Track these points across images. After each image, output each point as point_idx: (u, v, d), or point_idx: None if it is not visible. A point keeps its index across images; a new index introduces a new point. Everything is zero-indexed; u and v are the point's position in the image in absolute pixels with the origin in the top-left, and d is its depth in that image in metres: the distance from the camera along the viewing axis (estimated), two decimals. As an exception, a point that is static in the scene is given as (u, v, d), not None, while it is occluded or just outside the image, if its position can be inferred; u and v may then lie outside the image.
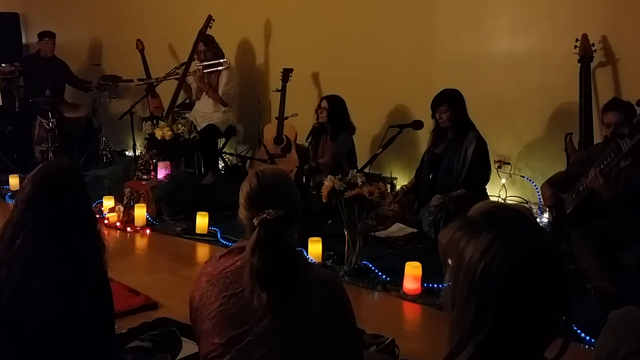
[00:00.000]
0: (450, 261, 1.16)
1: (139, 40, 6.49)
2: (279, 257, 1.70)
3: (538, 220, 4.38)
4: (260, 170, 1.86)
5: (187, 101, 6.35)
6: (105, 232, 4.38)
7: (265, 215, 1.72)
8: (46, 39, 6.74)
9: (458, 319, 1.12)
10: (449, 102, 4.30)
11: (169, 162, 4.87)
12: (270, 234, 1.71)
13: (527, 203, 4.83)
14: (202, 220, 4.37)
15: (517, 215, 1.15)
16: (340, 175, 3.55)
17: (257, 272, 1.68)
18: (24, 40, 7.75)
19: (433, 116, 4.39)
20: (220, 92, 5.84)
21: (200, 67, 5.81)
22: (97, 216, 4.37)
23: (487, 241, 1.09)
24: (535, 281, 1.07)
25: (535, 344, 1.11)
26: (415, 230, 4.24)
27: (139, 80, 6.48)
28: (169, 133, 4.86)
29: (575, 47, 4.43)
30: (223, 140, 6.12)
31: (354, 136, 5.10)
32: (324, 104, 5.06)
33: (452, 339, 1.13)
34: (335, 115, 5.01)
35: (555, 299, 1.10)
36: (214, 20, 5.69)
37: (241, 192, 1.83)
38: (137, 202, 4.66)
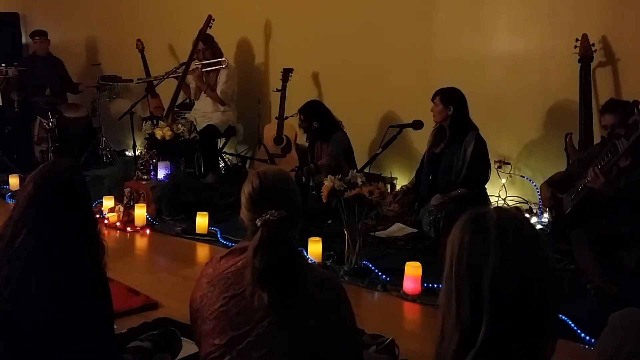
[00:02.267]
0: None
1: (138, 40, 6.49)
2: (281, 258, 1.69)
3: (537, 220, 4.39)
4: (262, 170, 1.85)
5: (187, 101, 6.35)
6: (105, 232, 4.39)
7: (268, 216, 1.71)
8: (37, 38, 6.74)
9: (442, 306, 1.23)
10: (442, 97, 4.30)
11: (169, 162, 4.86)
12: (273, 234, 1.70)
13: (527, 203, 4.84)
14: (202, 220, 4.37)
15: (500, 208, 1.27)
16: (340, 175, 3.55)
17: (260, 273, 1.67)
18: (23, 40, 7.74)
19: None
20: (218, 91, 5.84)
21: (199, 65, 5.81)
22: (97, 216, 4.39)
23: (461, 220, 1.23)
24: (483, 250, 1.16)
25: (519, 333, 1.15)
26: (415, 230, 4.24)
27: (138, 79, 6.48)
28: (169, 133, 4.85)
29: (575, 47, 4.43)
30: (223, 140, 6.12)
31: (352, 136, 5.09)
32: (302, 117, 5.07)
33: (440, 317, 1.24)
34: (317, 121, 4.91)
35: (522, 271, 1.16)
36: (214, 20, 5.69)
37: (243, 192, 1.83)
38: (137, 202, 4.66)
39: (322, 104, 5.16)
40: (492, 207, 1.28)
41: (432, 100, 4.35)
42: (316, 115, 4.97)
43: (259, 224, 1.72)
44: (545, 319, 1.14)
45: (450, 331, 1.17)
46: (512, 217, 1.22)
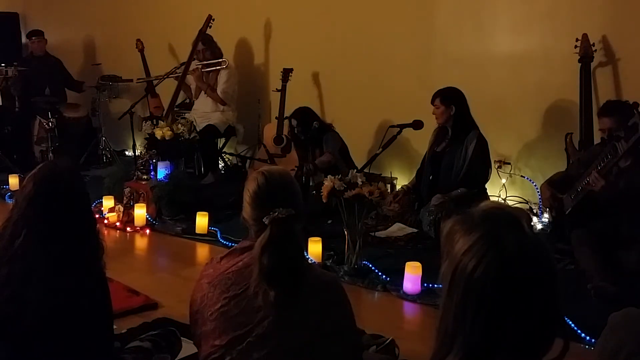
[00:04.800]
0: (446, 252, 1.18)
1: (138, 40, 6.49)
2: (289, 256, 1.69)
3: (538, 220, 4.39)
4: (266, 169, 1.85)
5: (187, 101, 6.35)
6: (105, 232, 4.40)
7: (277, 214, 1.71)
8: (34, 38, 6.74)
9: (442, 313, 1.14)
10: (442, 98, 4.31)
11: (168, 162, 4.86)
12: (282, 232, 1.70)
13: (527, 203, 4.84)
14: (202, 220, 4.37)
15: (509, 218, 1.14)
16: (340, 175, 3.55)
17: (268, 271, 1.67)
18: (23, 40, 7.74)
19: None
20: (218, 91, 5.84)
21: (200, 66, 5.81)
22: (97, 216, 4.39)
23: (473, 240, 1.11)
24: (508, 287, 1.08)
25: (524, 348, 1.10)
26: (416, 230, 4.23)
27: (138, 79, 6.48)
28: (169, 133, 4.85)
29: (576, 47, 4.43)
30: (223, 140, 6.12)
31: (352, 135, 5.09)
32: (294, 122, 5.06)
33: (438, 334, 1.15)
34: (309, 127, 4.93)
35: (536, 306, 1.10)
36: (213, 20, 5.68)
37: (246, 191, 1.82)
38: (137, 202, 4.66)
39: (309, 110, 5.14)
40: (498, 205, 1.21)
41: (432, 103, 4.35)
42: (309, 119, 4.98)
43: (267, 222, 1.71)
44: (553, 323, 1.12)
45: (450, 341, 1.13)
46: (517, 218, 1.14)
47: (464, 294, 1.10)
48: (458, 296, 1.11)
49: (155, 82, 6.31)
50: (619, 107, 3.73)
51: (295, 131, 5.08)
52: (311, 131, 4.88)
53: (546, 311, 1.11)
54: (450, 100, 4.30)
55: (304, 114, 5.07)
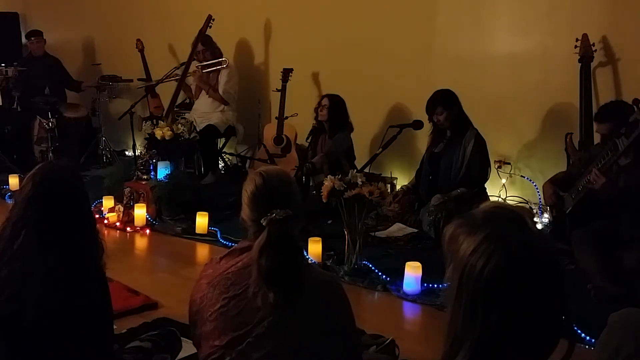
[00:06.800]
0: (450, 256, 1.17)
1: (138, 40, 6.49)
2: (288, 258, 1.69)
3: (538, 220, 4.39)
4: (264, 170, 1.85)
5: (187, 101, 6.35)
6: (105, 232, 4.40)
7: (274, 215, 1.70)
8: (33, 38, 6.75)
9: (451, 317, 1.14)
10: (442, 103, 4.32)
11: (168, 162, 4.86)
12: (280, 234, 1.70)
13: (527, 203, 4.83)
14: (202, 220, 4.37)
15: (512, 217, 1.15)
16: (340, 175, 3.55)
17: (266, 272, 1.67)
18: (23, 40, 7.74)
19: (430, 119, 4.40)
20: (220, 91, 5.84)
21: (200, 67, 5.81)
22: (97, 216, 4.39)
23: (478, 240, 1.11)
24: (518, 285, 1.08)
25: (531, 348, 1.10)
26: (416, 230, 4.24)
27: (138, 80, 6.48)
28: (169, 133, 4.85)
29: (576, 47, 4.42)
30: (223, 140, 6.12)
31: (353, 135, 5.10)
32: (325, 102, 5.05)
33: (447, 338, 1.14)
34: (335, 114, 5.00)
35: (545, 303, 1.10)
36: (213, 20, 5.69)
37: (244, 191, 1.82)
38: (137, 202, 4.66)
39: (345, 104, 5.10)
40: (499, 205, 1.21)
41: (433, 112, 4.33)
42: (336, 108, 4.99)
43: (264, 224, 1.71)
44: (544, 322, 1.12)
45: (458, 343, 1.13)
46: (520, 216, 1.15)
47: (473, 295, 1.10)
48: (467, 297, 1.10)
49: (155, 84, 6.31)
50: (614, 112, 3.66)
51: (318, 109, 5.07)
52: (311, 130, 4.89)
53: (554, 307, 1.12)
54: (450, 102, 4.32)
55: (337, 102, 5.04)
